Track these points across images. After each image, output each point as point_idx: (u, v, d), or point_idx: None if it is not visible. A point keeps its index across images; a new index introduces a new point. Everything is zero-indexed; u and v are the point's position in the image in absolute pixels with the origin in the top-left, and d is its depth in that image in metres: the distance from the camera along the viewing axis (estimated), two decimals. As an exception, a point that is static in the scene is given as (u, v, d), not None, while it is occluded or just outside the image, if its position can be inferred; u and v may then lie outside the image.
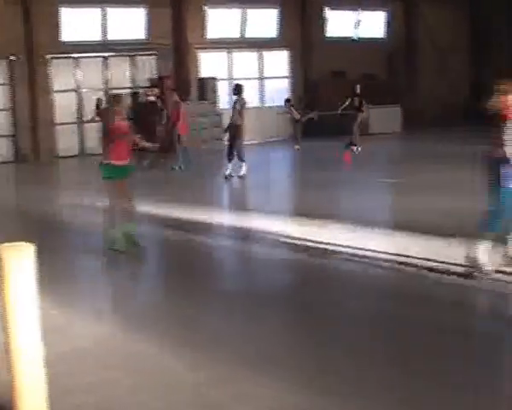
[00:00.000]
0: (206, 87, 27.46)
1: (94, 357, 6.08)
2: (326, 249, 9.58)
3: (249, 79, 30.19)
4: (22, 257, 4.66)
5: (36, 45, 25.42)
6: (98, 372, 5.72)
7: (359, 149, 23.01)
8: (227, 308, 7.51)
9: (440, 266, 8.34)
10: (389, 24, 34.20)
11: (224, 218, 13.22)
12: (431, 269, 8.25)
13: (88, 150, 26.74)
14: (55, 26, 25.82)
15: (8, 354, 4.73)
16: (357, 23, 33.22)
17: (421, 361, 5.71)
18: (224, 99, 28.49)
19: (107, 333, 6.74)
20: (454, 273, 8.00)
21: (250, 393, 5.26)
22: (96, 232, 12.26)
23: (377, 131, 29.62)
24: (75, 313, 7.40)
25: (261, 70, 30.90)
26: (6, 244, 4.75)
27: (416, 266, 8.45)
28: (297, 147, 24.89)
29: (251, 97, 30.03)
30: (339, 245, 9.70)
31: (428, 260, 8.59)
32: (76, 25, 26.40)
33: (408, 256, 8.85)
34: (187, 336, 6.52)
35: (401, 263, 8.65)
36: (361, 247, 9.50)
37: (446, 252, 8.90)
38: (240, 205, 14.96)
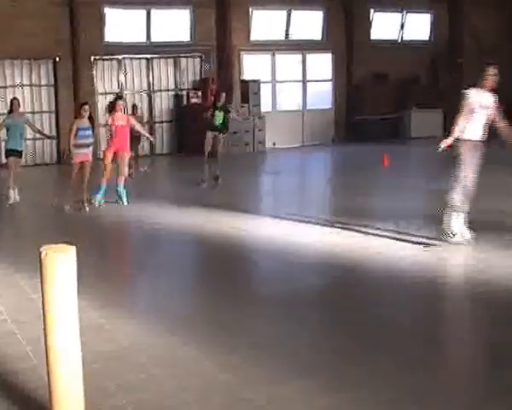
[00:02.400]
0: (249, 90, 27.52)
1: (132, 358, 6.19)
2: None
3: (292, 81, 30.49)
4: (64, 258, 4.77)
5: (80, 46, 25.66)
6: (136, 374, 5.83)
7: None
8: (269, 312, 7.61)
9: None
10: (433, 26, 33.93)
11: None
12: None
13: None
14: (99, 28, 26.09)
15: (47, 355, 4.85)
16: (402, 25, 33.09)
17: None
18: (266, 102, 28.64)
19: (146, 333, 6.85)
20: None
21: (283, 394, 5.36)
22: (141, 234, 12.53)
23: (418, 135, 29.53)
24: (115, 313, 7.52)
25: (304, 73, 30.87)
26: (48, 246, 4.87)
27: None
28: None
29: (294, 100, 30.46)
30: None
31: None
32: (120, 26, 26.63)
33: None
34: (224, 339, 6.62)
35: None
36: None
37: None
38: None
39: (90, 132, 15.02)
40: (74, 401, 4.88)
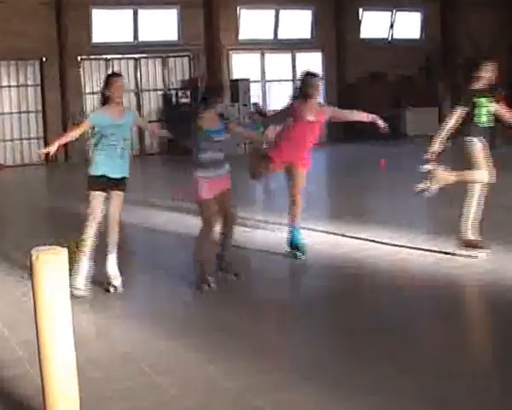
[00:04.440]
0: (239, 89, 27.39)
1: (133, 362, 5.98)
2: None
3: (282, 80, 30.38)
4: (56, 261, 4.59)
5: (67, 46, 25.62)
6: (137, 379, 5.62)
7: None
8: (274, 317, 7.42)
9: None
10: (424, 25, 33.89)
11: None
12: None
13: None
14: (86, 28, 26.05)
15: (40, 361, 4.66)
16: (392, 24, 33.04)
17: None
18: (256, 101, 28.49)
19: (148, 338, 6.64)
20: None
21: (290, 401, 5.13)
22: (129, 234, 12.27)
23: (413, 133, 29.43)
24: (114, 317, 7.35)
25: (294, 72, 30.76)
26: (39, 248, 4.68)
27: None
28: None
29: (283, 99, 30.32)
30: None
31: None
32: (107, 26, 26.61)
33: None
34: (227, 344, 6.41)
35: None
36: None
37: None
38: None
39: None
40: (69, 407, 4.67)
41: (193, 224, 9.40)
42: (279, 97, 30.15)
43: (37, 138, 26.02)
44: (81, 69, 26.47)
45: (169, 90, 28.09)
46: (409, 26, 33.70)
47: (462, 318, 7.21)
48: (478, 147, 8.80)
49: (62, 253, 4.65)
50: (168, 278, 9.05)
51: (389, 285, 8.14)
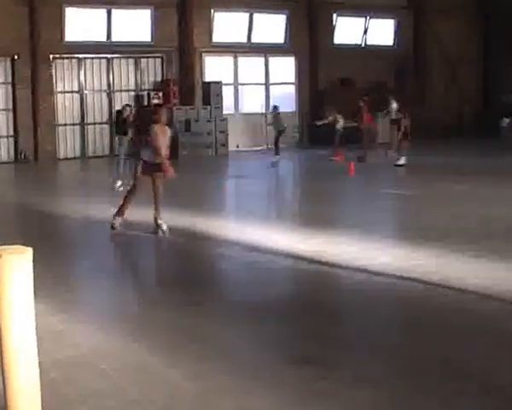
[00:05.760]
0: (211, 92, 27.36)
1: (93, 365, 5.96)
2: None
3: (255, 84, 30.44)
4: (20, 260, 4.57)
5: (39, 45, 25.44)
6: (98, 381, 5.61)
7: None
8: (233, 319, 7.42)
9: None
10: (397, 32, 34.12)
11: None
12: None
13: (90, 153, 27.10)
14: (59, 26, 25.91)
15: (2, 361, 4.63)
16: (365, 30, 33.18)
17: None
18: (228, 104, 28.57)
19: (110, 340, 6.63)
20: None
21: (249, 405, 5.16)
22: (96, 236, 12.25)
23: (384, 140, 29.56)
24: (74, 320, 7.31)
25: (267, 76, 30.85)
26: (3, 247, 4.65)
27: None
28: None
29: (256, 103, 30.43)
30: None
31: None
32: (80, 25, 26.44)
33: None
34: (190, 346, 6.41)
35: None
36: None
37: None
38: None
39: None
40: (31, 409, 4.65)
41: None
42: (251, 100, 30.44)
43: (7, 137, 25.84)
44: (53, 68, 26.26)
45: (141, 90, 27.99)
46: (382, 32, 33.83)
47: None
48: None
49: (27, 252, 4.61)
50: (131, 279, 9.08)
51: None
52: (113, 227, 11.69)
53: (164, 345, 6.44)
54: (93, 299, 8.37)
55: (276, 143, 23.47)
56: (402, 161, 21.15)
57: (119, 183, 16.80)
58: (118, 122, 18.98)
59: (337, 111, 23.95)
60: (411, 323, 7.15)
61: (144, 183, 11.60)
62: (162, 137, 11.42)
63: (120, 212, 11.79)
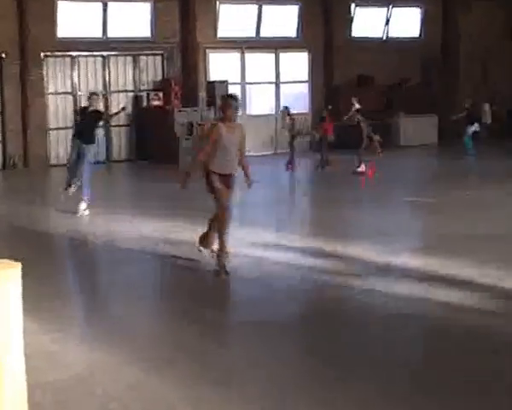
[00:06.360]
0: (216, 92, 27.53)
1: (87, 386, 6.23)
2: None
3: (264, 83, 30.69)
4: (7, 275, 4.71)
5: (29, 42, 25.65)
6: (89, 403, 5.88)
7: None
8: (241, 340, 7.77)
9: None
10: (423, 22, 34.17)
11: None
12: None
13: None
14: (51, 21, 26.07)
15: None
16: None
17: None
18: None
19: (103, 360, 6.91)
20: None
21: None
22: (93, 250, 12.62)
23: (411, 143, 29.85)
24: (68, 337, 7.58)
25: (278, 74, 31.08)
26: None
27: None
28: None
29: (266, 103, 30.60)
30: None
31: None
32: (74, 20, 26.55)
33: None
34: (191, 368, 6.69)
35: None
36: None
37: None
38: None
39: None
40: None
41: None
42: (260, 101, 30.52)
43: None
44: (44, 67, 26.50)
45: (140, 91, 28.27)
46: (406, 23, 33.85)
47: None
48: None
49: (15, 267, 4.76)
50: (127, 294, 9.40)
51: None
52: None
53: (161, 366, 6.69)
54: (88, 317, 8.71)
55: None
56: (361, 168, 21.53)
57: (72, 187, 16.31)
58: (84, 123, 16.58)
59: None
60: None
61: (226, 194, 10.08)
62: (231, 138, 9.97)
63: (205, 240, 10.50)
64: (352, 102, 24.52)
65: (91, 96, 16.94)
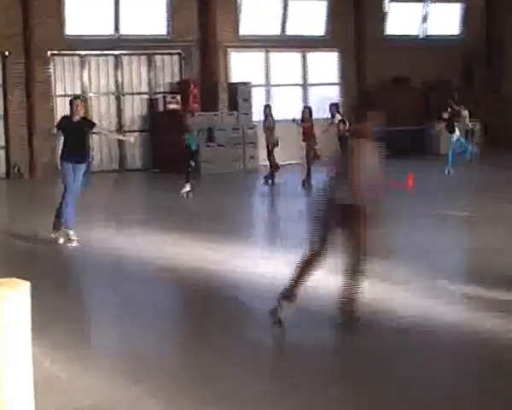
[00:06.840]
0: (238, 94, 27.53)
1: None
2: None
3: (290, 85, 30.67)
4: (15, 295, 4.77)
5: (36, 40, 25.74)
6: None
7: None
8: (249, 360, 7.73)
9: None
10: (465, 18, 34.10)
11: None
12: None
13: (95, 167, 26.87)
14: (58, 18, 26.21)
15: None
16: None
17: None
18: (259, 109, 28.67)
19: (116, 389, 6.92)
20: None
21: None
22: (96, 267, 12.65)
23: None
24: (74, 363, 7.58)
25: (305, 75, 31.09)
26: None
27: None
28: None
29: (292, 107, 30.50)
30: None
31: None
32: (84, 17, 26.69)
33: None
34: (198, 390, 6.75)
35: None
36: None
37: None
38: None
39: None
40: None
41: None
42: (286, 105, 30.42)
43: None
44: (51, 67, 26.63)
45: (155, 93, 28.32)
46: (445, 20, 33.88)
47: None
48: None
49: (23, 286, 4.83)
50: (134, 316, 9.40)
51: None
52: (279, 322, 8.36)
53: (168, 390, 6.76)
54: (95, 340, 8.73)
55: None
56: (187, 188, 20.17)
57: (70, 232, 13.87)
58: (73, 138, 14.00)
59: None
60: None
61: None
62: (369, 161, 8.26)
63: (290, 294, 8.45)
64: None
65: (74, 100, 14.43)
